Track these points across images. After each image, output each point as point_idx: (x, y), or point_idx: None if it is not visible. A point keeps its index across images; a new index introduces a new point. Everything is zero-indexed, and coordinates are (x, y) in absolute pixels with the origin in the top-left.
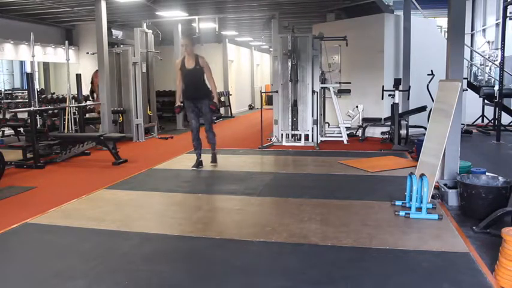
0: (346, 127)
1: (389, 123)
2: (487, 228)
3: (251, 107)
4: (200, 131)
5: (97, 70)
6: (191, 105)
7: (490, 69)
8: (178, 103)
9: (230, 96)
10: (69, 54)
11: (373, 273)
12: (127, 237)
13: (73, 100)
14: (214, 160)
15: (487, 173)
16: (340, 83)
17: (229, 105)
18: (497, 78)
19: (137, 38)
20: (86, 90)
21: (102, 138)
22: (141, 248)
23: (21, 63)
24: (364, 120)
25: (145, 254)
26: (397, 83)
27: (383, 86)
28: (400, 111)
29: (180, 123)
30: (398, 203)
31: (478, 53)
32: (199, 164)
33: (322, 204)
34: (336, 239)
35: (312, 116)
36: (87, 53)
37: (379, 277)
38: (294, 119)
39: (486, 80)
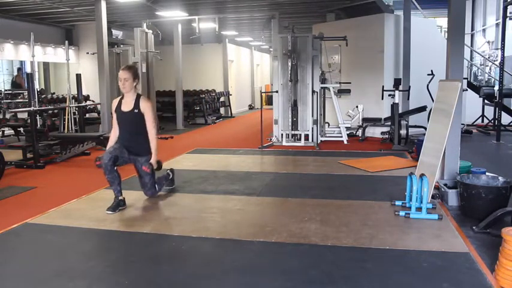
0: (346, 127)
1: (389, 123)
2: (487, 228)
3: (251, 107)
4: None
5: None
6: (122, 148)
7: (490, 69)
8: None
9: (230, 96)
10: (69, 54)
11: (373, 273)
12: (127, 237)
13: (73, 100)
14: (170, 183)
15: (487, 173)
16: (340, 83)
17: (229, 105)
18: (497, 78)
19: (137, 38)
20: (85, 91)
21: (102, 138)
22: (141, 248)
23: (21, 63)
24: (364, 120)
25: (146, 254)
26: (397, 83)
27: (383, 86)
28: (400, 111)
29: (180, 123)
30: (398, 203)
31: (478, 53)
32: (118, 204)
33: (322, 204)
34: (336, 239)
35: (312, 116)
36: (87, 53)
37: (379, 277)
38: (294, 119)
39: (486, 80)
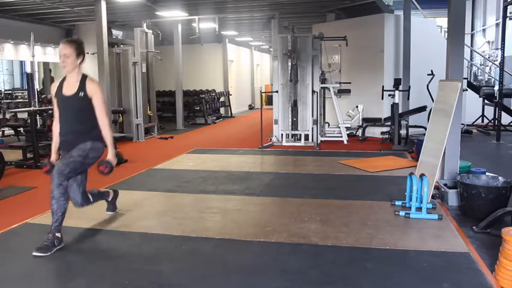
0: (346, 127)
1: (389, 123)
2: (487, 228)
3: (251, 107)
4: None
5: None
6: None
7: (490, 69)
8: (53, 156)
9: (230, 96)
10: None
11: (373, 273)
12: (127, 237)
13: None
14: (45, 248)
15: (487, 173)
16: (340, 83)
17: (229, 105)
18: (497, 78)
19: (137, 38)
20: None
21: None
22: (141, 248)
23: (21, 63)
24: (364, 120)
25: (146, 254)
26: (397, 83)
27: (383, 86)
28: (400, 111)
29: (180, 123)
30: (398, 203)
31: (478, 53)
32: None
33: (322, 204)
34: (336, 239)
35: (312, 116)
36: (87, 53)
37: (379, 277)
38: (294, 119)
39: (486, 80)
